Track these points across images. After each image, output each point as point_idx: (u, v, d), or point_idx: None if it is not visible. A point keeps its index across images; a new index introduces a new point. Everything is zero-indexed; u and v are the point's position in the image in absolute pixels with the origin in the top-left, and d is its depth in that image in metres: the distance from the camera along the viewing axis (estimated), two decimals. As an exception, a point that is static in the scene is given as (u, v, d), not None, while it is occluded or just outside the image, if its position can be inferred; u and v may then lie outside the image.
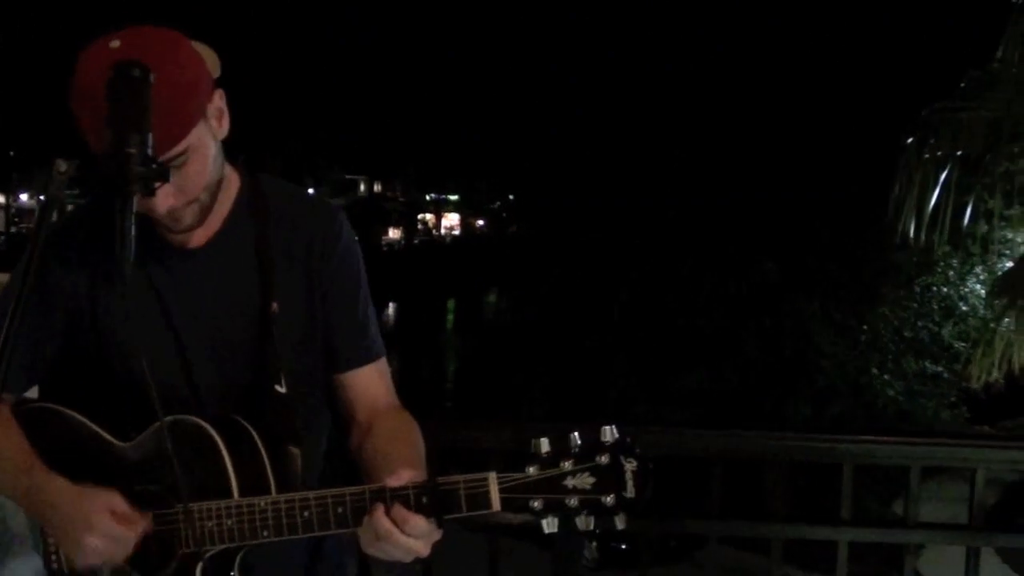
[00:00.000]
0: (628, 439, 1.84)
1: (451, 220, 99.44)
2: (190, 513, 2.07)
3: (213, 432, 2.08)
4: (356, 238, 2.36)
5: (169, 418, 2.08)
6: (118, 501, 2.06)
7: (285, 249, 2.24)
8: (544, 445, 1.85)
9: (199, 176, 2.07)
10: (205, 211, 2.14)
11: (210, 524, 2.04)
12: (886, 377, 17.09)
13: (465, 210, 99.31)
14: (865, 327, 17.57)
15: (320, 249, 2.26)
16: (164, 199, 2.01)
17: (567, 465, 1.83)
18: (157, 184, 1.81)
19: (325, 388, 2.34)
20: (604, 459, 1.82)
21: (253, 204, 2.26)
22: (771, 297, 17.96)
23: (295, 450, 2.19)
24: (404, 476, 1.93)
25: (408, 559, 1.95)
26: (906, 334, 17.33)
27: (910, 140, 12.35)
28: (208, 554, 2.07)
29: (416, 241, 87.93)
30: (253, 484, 2.07)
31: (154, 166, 1.77)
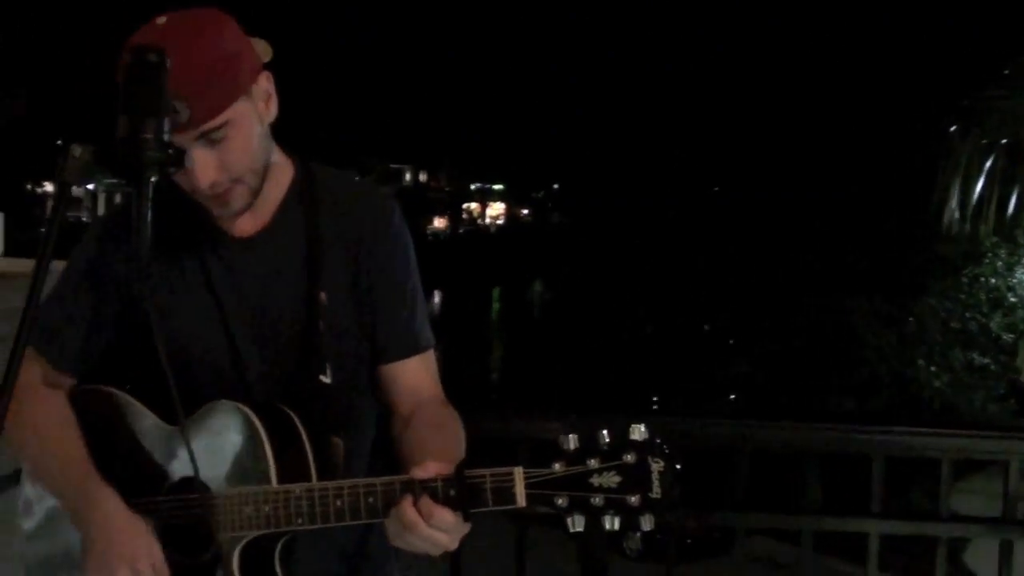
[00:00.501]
0: (657, 439, 1.81)
1: (496, 209, 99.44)
2: (214, 499, 2.08)
3: (254, 418, 2.08)
4: (406, 229, 2.32)
5: (215, 402, 2.13)
6: (158, 551, 2.08)
7: (335, 238, 2.23)
8: (571, 441, 1.82)
9: (242, 153, 2.06)
10: (253, 195, 2.13)
11: (247, 509, 2.05)
12: (932, 369, 16.88)
13: (510, 199, 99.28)
14: (911, 319, 17.37)
15: (369, 239, 2.25)
16: (205, 172, 2.02)
17: (593, 463, 1.80)
18: (172, 169, 1.81)
19: (372, 379, 2.32)
20: (631, 458, 1.79)
21: (305, 193, 2.25)
22: (814, 288, 17.81)
23: (338, 440, 2.20)
24: (431, 468, 1.91)
25: (435, 552, 1.94)
26: (953, 325, 17.10)
27: (953, 128, 12.18)
28: (246, 540, 2.08)
29: (461, 230, 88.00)
30: (294, 472, 2.07)
31: (170, 152, 1.76)
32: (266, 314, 2.23)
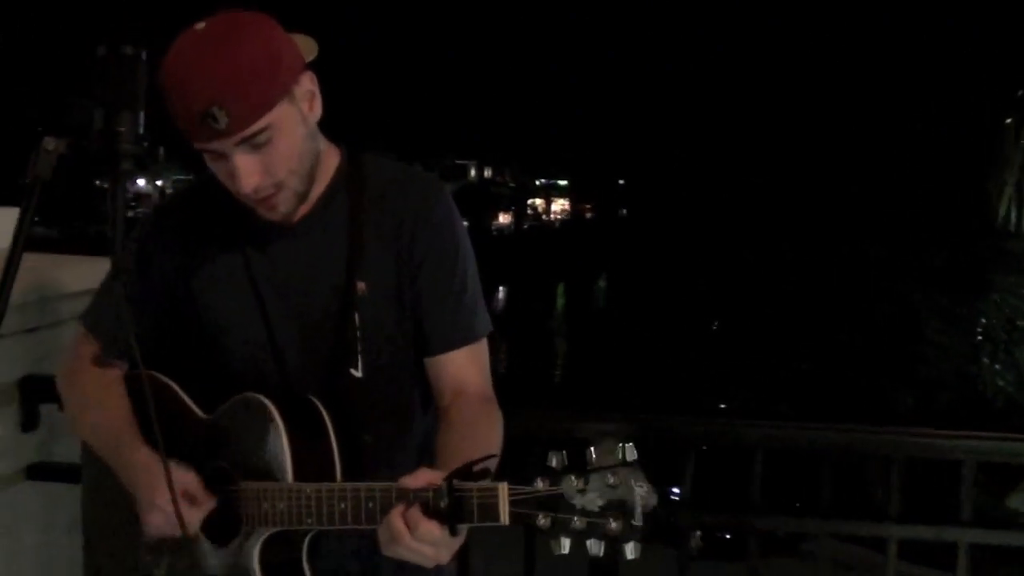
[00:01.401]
0: (642, 461, 1.73)
1: (560, 205, 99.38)
2: (237, 492, 2.08)
3: (277, 414, 2.06)
4: (455, 216, 2.25)
5: (243, 395, 2.13)
6: (190, 480, 2.09)
7: (378, 227, 2.19)
8: (556, 458, 1.74)
9: (286, 157, 2.04)
10: (299, 199, 2.11)
11: (265, 506, 2.04)
12: (997, 367, 16.54)
13: (575, 195, 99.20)
14: (977, 317, 17.04)
15: (412, 226, 2.18)
16: (248, 177, 2.00)
17: (576, 483, 1.71)
18: (147, 162, 1.78)
19: (419, 374, 2.26)
20: (614, 480, 1.71)
21: (350, 182, 2.21)
22: (875, 284, 17.55)
23: (367, 438, 2.17)
24: (422, 478, 1.85)
25: (426, 564, 1.88)
26: (1019, 323, 16.74)
27: (1008, 121, 11.89)
28: (266, 535, 2.07)
29: (525, 226, 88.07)
30: (316, 469, 2.05)
31: (145, 144, 1.73)
32: (306, 304, 2.20)
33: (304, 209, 2.18)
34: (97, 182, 2.17)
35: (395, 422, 2.27)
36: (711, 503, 3.66)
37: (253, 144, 1.98)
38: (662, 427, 3.48)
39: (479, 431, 2.11)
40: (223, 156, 2.00)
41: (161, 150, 1.86)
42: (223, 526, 2.09)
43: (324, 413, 2.11)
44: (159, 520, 2.08)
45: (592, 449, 1.74)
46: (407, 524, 1.82)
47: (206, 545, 2.14)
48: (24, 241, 1.64)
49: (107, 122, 1.70)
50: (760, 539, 3.63)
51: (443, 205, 2.23)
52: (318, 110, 2.11)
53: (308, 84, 2.08)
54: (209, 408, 2.21)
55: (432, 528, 1.81)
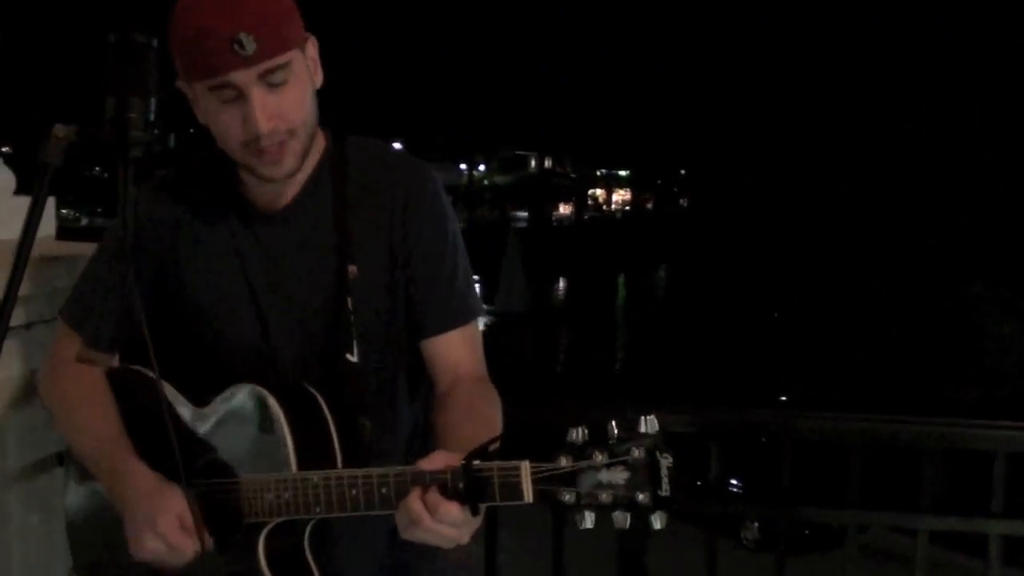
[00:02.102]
0: (667, 432, 1.72)
1: (621, 195, 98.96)
2: (237, 484, 2.06)
3: (275, 403, 2.06)
4: (444, 198, 2.26)
5: (239, 385, 2.12)
6: (184, 507, 2.05)
7: (367, 211, 2.19)
8: (579, 434, 1.73)
9: (299, 103, 2.05)
10: (302, 156, 2.11)
11: (269, 496, 2.02)
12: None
13: (635, 185, 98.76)
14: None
15: (402, 210, 2.19)
16: (265, 115, 2.00)
17: (601, 457, 1.71)
18: (156, 148, 1.78)
19: (413, 358, 2.26)
20: (639, 453, 1.70)
21: (336, 166, 2.22)
22: (936, 276, 17.31)
23: (365, 421, 2.15)
24: (439, 460, 1.85)
25: (446, 545, 1.87)
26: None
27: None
28: (270, 526, 2.05)
29: (586, 217, 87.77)
30: (317, 456, 2.04)
31: (155, 131, 1.73)
32: (297, 290, 2.20)
33: (291, 194, 2.18)
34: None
35: (389, 407, 2.27)
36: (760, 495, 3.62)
37: (271, 82, 2.00)
38: (727, 420, 3.46)
39: (482, 412, 2.11)
40: (239, 97, 2.00)
41: (172, 137, 1.86)
42: (222, 520, 2.07)
43: (321, 400, 2.10)
44: (158, 547, 2.04)
45: (613, 423, 1.73)
46: (427, 506, 1.81)
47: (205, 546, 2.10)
48: (36, 227, 1.64)
49: (118, 109, 1.71)
50: (800, 530, 3.59)
51: (432, 188, 2.23)
52: (319, 78, 2.14)
53: (312, 51, 2.12)
54: (201, 400, 2.18)
55: (452, 509, 1.80)
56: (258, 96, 2.00)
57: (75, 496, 2.37)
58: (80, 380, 2.28)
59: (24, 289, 1.67)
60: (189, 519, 2.03)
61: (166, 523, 2.02)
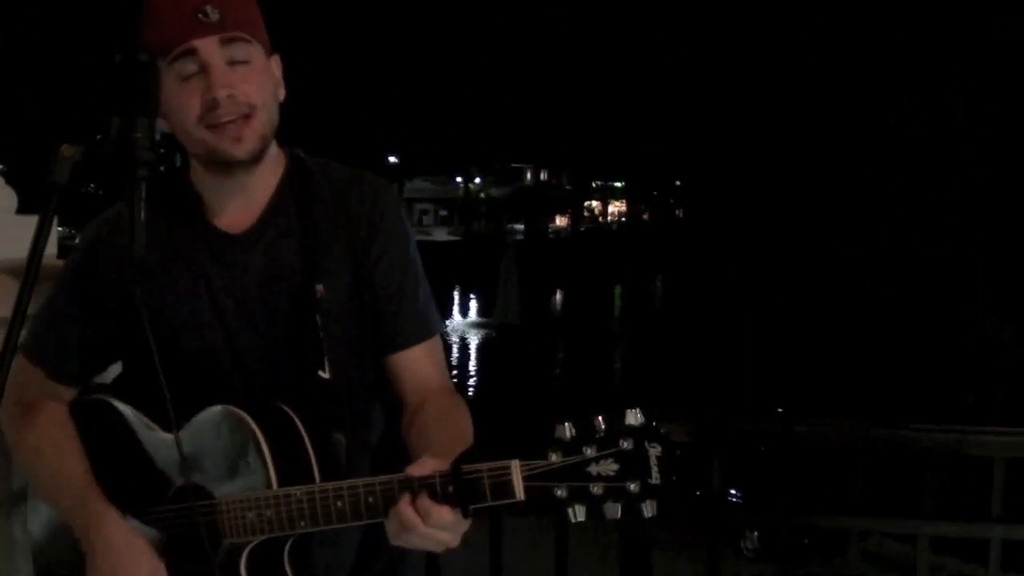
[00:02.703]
0: (653, 423, 1.77)
1: (617, 207, 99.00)
2: (216, 505, 2.09)
3: (251, 422, 2.08)
4: (403, 215, 2.31)
5: (214, 407, 2.13)
6: (161, 572, 2.11)
7: (330, 229, 2.22)
8: (567, 430, 1.79)
9: (259, 86, 2.12)
10: (262, 141, 2.15)
11: (251, 515, 2.04)
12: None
13: (631, 197, 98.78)
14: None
15: (365, 227, 2.23)
16: (225, 81, 2.06)
17: (590, 451, 1.76)
18: (161, 168, 1.81)
19: (376, 373, 2.29)
20: (628, 444, 1.75)
21: (297, 185, 2.25)
22: (933, 282, 17.32)
23: (340, 437, 2.18)
24: (427, 465, 1.88)
25: (438, 549, 1.90)
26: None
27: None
28: (251, 544, 2.07)
29: (582, 228, 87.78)
30: (296, 473, 2.06)
31: (161, 150, 1.76)
32: (263, 311, 2.22)
33: (252, 215, 2.22)
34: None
35: (361, 421, 2.29)
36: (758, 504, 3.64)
37: (233, 58, 2.07)
38: (726, 429, 3.48)
39: (455, 421, 2.16)
40: (199, 71, 2.05)
41: (177, 156, 1.89)
42: (198, 543, 2.08)
43: (295, 418, 2.11)
44: None
45: (600, 418, 1.78)
46: (419, 512, 1.84)
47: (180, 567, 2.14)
48: (44, 246, 1.66)
49: (123, 129, 1.73)
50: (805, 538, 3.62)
51: (393, 205, 2.27)
52: (282, 94, 2.21)
53: (276, 68, 2.21)
54: (169, 425, 2.15)
55: (444, 513, 1.83)
56: (218, 65, 2.06)
57: (40, 528, 2.37)
58: (44, 417, 2.28)
59: (29, 308, 1.68)
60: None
61: None
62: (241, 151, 2.12)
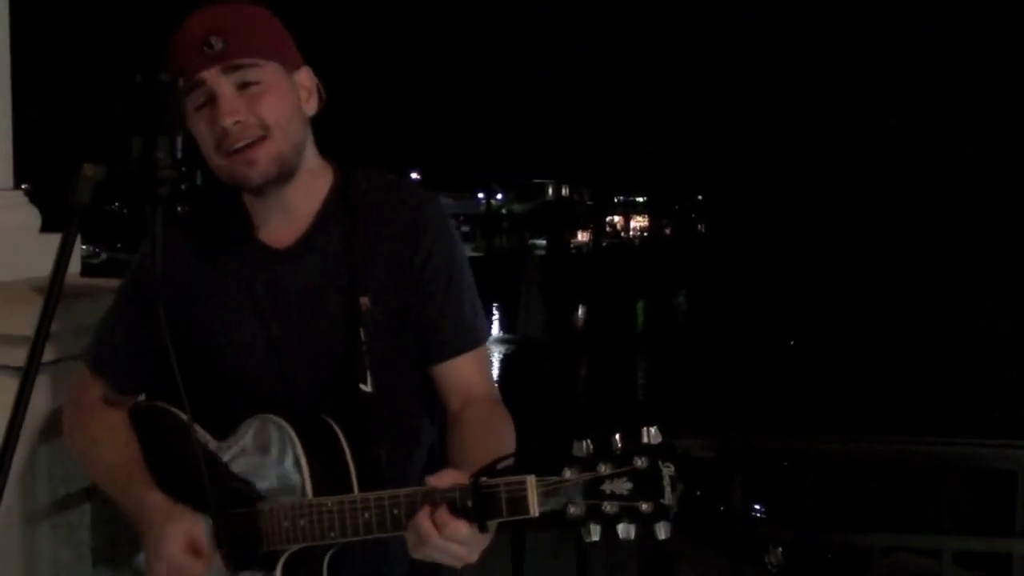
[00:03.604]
0: (669, 441, 1.75)
1: (639, 221, 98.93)
2: (255, 513, 2.09)
3: (291, 431, 2.10)
4: (450, 226, 2.30)
5: (257, 416, 2.15)
6: (199, 532, 2.11)
7: (376, 242, 2.23)
8: (584, 447, 1.77)
9: (275, 108, 2.12)
10: (281, 163, 2.15)
11: (286, 523, 2.05)
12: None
13: (653, 211, 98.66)
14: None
15: (409, 239, 2.23)
16: (231, 108, 2.07)
17: (605, 469, 1.74)
18: (183, 186, 1.82)
19: (423, 386, 2.30)
20: (642, 463, 1.73)
21: (344, 199, 2.26)
22: (959, 294, 17.22)
23: (381, 451, 2.19)
24: (447, 477, 1.88)
25: (456, 564, 1.90)
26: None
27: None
28: (287, 553, 2.08)
29: (604, 244, 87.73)
30: (334, 484, 2.07)
31: (183, 169, 1.77)
32: (308, 324, 2.23)
33: (298, 230, 2.24)
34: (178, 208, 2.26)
35: (405, 435, 2.30)
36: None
37: (242, 81, 2.08)
38: (748, 445, 3.47)
39: (495, 432, 2.14)
40: (210, 100, 2.08)
41: (199, 175, 1.90)
42: (241, 550, 2.10)
43: (338, 430, 2.13)
44: (161, 568, 2.11)
45: (617, 436, 1.76)
46: (436, 524, 1.84)
47: (225, 571, 2.14)
48: (66, 265, 1.68)
49: (144, 148, 1.75)
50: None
51: (438, 216, 2.27)
52: (314, 106, 2.23)
53: (306, 79, 2.22)
54: (220, 433, 2.22)
55: (460, 527, 1.83)
56: (226, 92, 2.08)
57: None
58: (102, 421, 2.33)
59: (52, 326, 1.70)
60: (199, 538, 2.09)
61: (170, 547, 2.08)
62: (256, 174, 2.14)
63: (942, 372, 17.58)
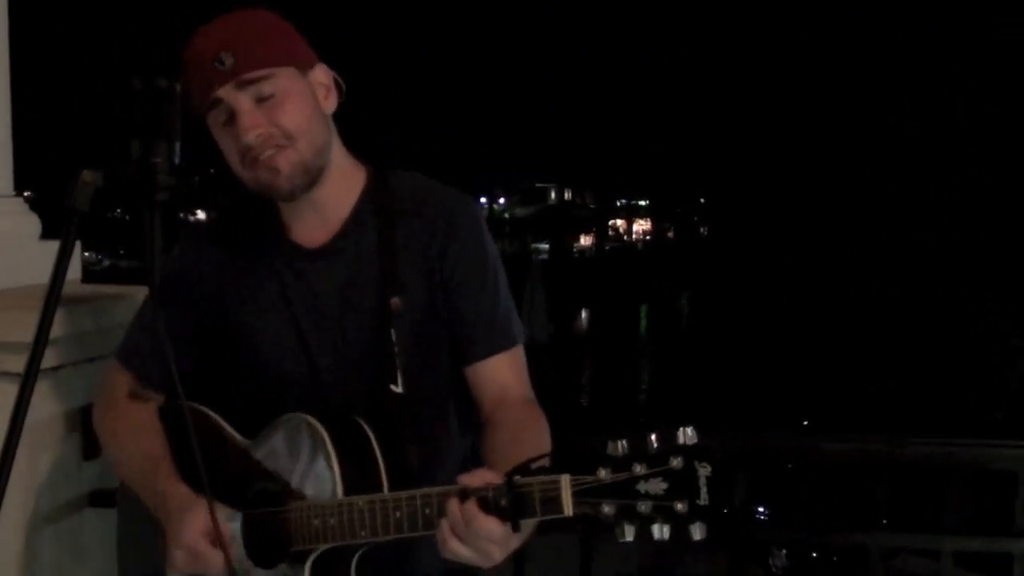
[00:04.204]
0: (706, 442, 1.72)
1: (642, 225, 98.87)
2: (285, 512, 2.09)
3: (322, 430, 2.09)
4: (483, 227, 2.30)
5: (287, 415, 2.15)
6: (219, 520, 2.07)
7: (408, 242, 2.23)
8: (619, 447, 1.73)
9: (294, 115, 2.11)
10: (305, 170, 2.14)
11: (316, 522, 2.04)
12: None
13: (655, 214, 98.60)
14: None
15: (441, 239, 2.22)
16: (250, 122, 2.07)
17: (640, 469, 1.70)
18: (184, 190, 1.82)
19: (455, 387, 2.29)
20: (677, 463, 1.69)
21: (378, 200, 2.26)
22: (960, 295, 17.20)
23: (412, 449, 2.18)
24: (480, 477, 1.86)
25: (484, 564, 1.87)
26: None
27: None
28: (316, 552, 2.08)
29: (607, 247, 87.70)
30: (364, 484, 2.06)
31: (181, 175, 1.77)
32: (341, 324, 2.24)
33: (331, 231, 2.24)
34: (181, 215, 2.27)
35: (437, 436, 2.29)
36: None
37: (258, 95, 2.08)
38: (750, 445, 3.46)
39: (529, 433, 2.12)
40: (231, 116, 2.08)
41: (197, 180, 1.90)
42: (269, 548, 2.10)
43: (369, 431, 2.12)
44: (183, 558, 2.11)
45: (653, 436, 1.73)
46: (463, 515, 1.82)
47: (254, 571, 2.14)
48: (65, 271, 1.68)
49: (143, 153, 1.75)
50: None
51: (471, 216, 2.27)
52: (333, 103, 2.22)
53: (322, 76, 2.20)
54: (249, 433, 2.23)
55: (490, 524, 1.80)
56: (245, 108, 2.08)
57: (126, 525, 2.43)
58: (130, 414, 2.35)
59: (53, 332, 1.69)
60: (219, 531, 2.06)
61: (190, 535, 2.08)
62: (279, 180, 2.13)
63: (942, 372, 17.57)
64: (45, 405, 2.64)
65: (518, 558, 3.24)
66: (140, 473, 2.26)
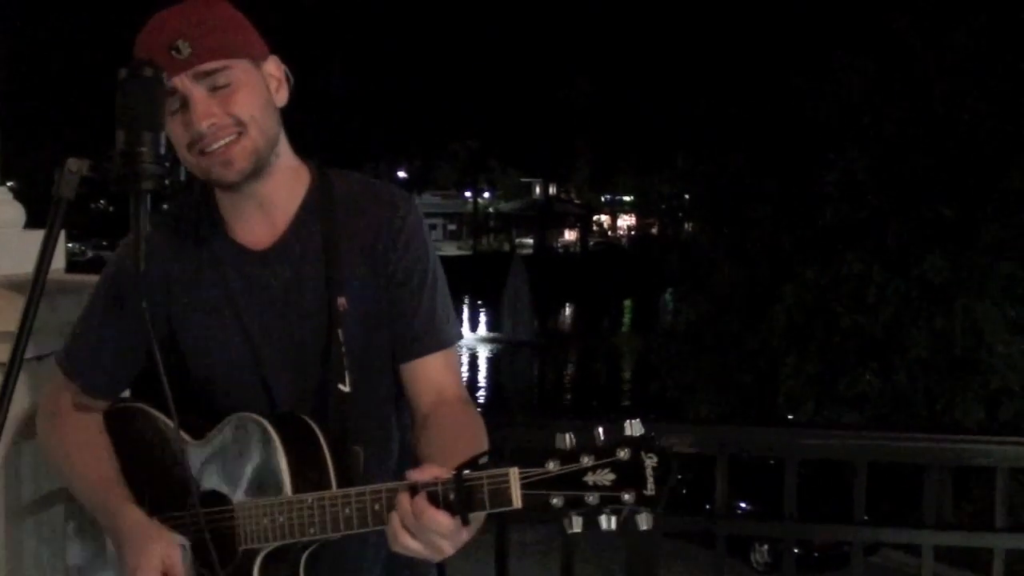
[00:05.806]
0: (651, 433, 1.75)
1: (626, 221, 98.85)
2: (232, 511, 2.11)
3: (271, 429, 2.10)
4: (424, 227, 2.32)
5: (235, 415, 2.17)
6: (175, 556, 2.12)
7: (351, 243, 2.24)
8: (567, 439, 1.77)
9: (245, 105, 2.11)
10: (257, 159, 2.15)
11: (264, 520, 2.06)
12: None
13: (640, 211, 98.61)
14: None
15: (385, 239, 2.24)
16: (204, 111, 2.07)
17: (587, 460, 1.74)
18: (167, 182, 1.82)
19: (398, 385, 2.31)
20: (624, 454, 1.73)
21: (321, 200, 2.27)
22: (941, 295, 17.21)
23: (359, 449, 2.19)
24: (429, 471, 1.88)
25: (434, 557, 1.90)
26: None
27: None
28: (265, 551, 2.09)
29: (591, 244, 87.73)
30: (312, 482, 2.08)
31: (166, 164, 1.77)
32: (288, 325, 2.25)
33: (276, 232, 2.25)
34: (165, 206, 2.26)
35: (382, 434, 2.32)
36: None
37: (212, 84, 2.08)
38: (731, 438, 3.47)
39: (471, 431, 2.16)
40: (183, 104, 2.07)
41: (182, 170, 1.90)
42: (218, 548, 2.09)
43: (316, 428, 2.14)
44: None
45: (600, 429, 1.76)
46: (412, 509, 1.84)
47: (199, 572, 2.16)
48: (50, 260, 1.68)
49: (128, 143, 1.75)
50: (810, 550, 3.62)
51: (413, 215, 2.29)
52: (284, 96, 2.23)
53: (274, 69, 2.21)
54: (198, 433, 2.22)
55: (441, 518, 1.82)
56: (199, 97, 2.08)
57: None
58: (77, 426, 2.34)
59: (37, 322, 1.69)
60: (175, 561, 2.11)
61: (146, 570, 2.10)
62: (232, 173, 2.14)
63: (926, 373, 17.61)
64: (26, 395, 2.63)
65: (500, 552, 3.25)
66: (91, 494, 2.27)
